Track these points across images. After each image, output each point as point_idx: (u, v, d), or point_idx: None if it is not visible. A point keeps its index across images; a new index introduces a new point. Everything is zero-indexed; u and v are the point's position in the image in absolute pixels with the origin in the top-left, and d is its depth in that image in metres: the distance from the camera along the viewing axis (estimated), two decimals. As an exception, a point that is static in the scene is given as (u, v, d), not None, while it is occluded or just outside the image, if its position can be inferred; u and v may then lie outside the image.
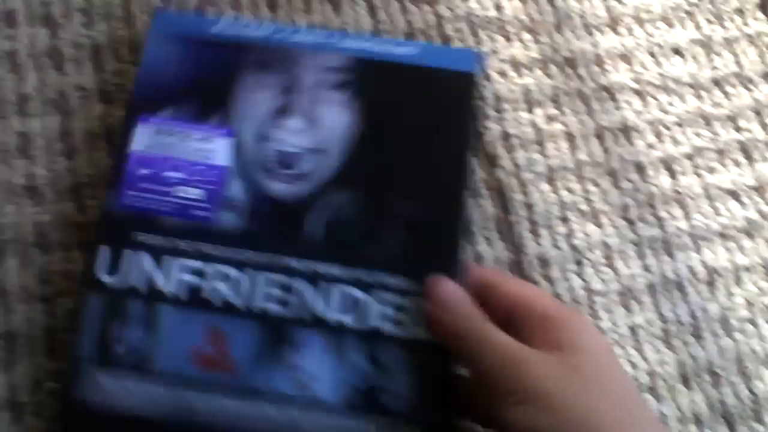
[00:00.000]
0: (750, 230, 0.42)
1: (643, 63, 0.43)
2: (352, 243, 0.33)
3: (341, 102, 0.35)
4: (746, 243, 0.42)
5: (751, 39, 0.45)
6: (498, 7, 0.43)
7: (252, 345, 0.31)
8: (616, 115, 0.42)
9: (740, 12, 0.45)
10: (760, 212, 0.42)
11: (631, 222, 0.41)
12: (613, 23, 0.44)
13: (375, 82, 0.36)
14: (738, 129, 0.43)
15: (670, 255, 0.40)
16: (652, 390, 0.38)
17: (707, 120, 0.43)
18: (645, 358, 0.38)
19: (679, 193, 0.42)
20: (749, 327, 0.40)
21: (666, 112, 0.43)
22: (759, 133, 0.43)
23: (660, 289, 0.40)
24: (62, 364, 0.34)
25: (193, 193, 0.33)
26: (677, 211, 0.41)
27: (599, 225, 0.40)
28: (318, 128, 0.35)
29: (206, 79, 0.36)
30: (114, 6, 0.39)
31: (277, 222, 0.33)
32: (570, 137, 0.41)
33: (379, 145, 0.35)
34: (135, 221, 0.33)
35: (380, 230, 0.33)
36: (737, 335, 0.40)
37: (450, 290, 0.31)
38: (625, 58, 0.43)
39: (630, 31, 0.44)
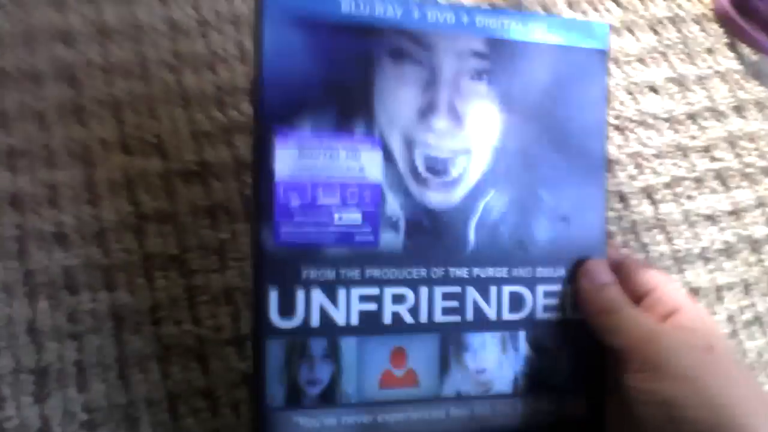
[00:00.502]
0: (729, 252, 0.45)
1: (622, 101, 0.46)
2: (510, 244, 0.33)
3: (481, 93, 0.33)
4: (726, 264, 0.44)
5: (721, 75, 0.48)
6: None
7: (431, 356, 0.32)
8: (599, 150, 0.45)
9: (710, 51, 0.48)
10: (737, 235, 0.45)
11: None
12: (593, 65, 0.47)
13: (510, 67, 0.33)
14: (713, 159, 0.46)
15: (655, 278, 0.43)
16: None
17: (684, 151, 0.46)
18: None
19: (660, 219, 0.44)
20: (730, 341, 0.43)
21: (645, 145, 0.45)
22: (732, 162, 0.46)
23: (646, 310, 0.42)
24: (89, 395, 0.37)
25: (352, 217, 0.31)
26: (659, 237, 0.44)
27: (587, 252, 0.43)
28: (463, 126, 0.32)
29: (341, 78, 0.31)
30: (132, 64, 0.42)
31: (437, 234, 0.32)
32: (557, 172, 0.44)
33: (521, 137, 0.33)
34: (299, 258, 0.31)
35: (533, 226, 0.33)
36: (720, 351, 0.42)
37: (602, 273, 0.33)
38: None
39: (608, 72, 0.47)
